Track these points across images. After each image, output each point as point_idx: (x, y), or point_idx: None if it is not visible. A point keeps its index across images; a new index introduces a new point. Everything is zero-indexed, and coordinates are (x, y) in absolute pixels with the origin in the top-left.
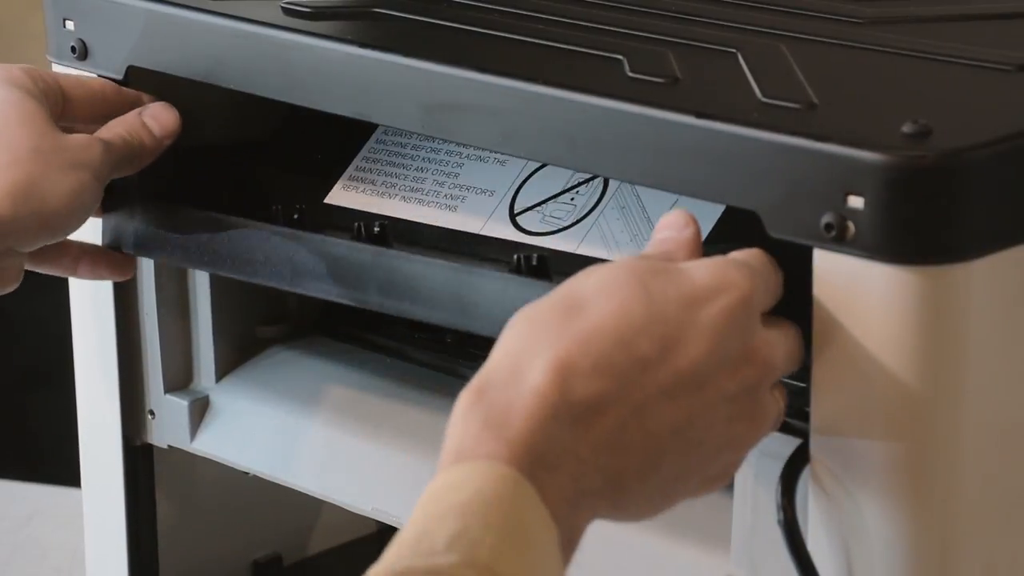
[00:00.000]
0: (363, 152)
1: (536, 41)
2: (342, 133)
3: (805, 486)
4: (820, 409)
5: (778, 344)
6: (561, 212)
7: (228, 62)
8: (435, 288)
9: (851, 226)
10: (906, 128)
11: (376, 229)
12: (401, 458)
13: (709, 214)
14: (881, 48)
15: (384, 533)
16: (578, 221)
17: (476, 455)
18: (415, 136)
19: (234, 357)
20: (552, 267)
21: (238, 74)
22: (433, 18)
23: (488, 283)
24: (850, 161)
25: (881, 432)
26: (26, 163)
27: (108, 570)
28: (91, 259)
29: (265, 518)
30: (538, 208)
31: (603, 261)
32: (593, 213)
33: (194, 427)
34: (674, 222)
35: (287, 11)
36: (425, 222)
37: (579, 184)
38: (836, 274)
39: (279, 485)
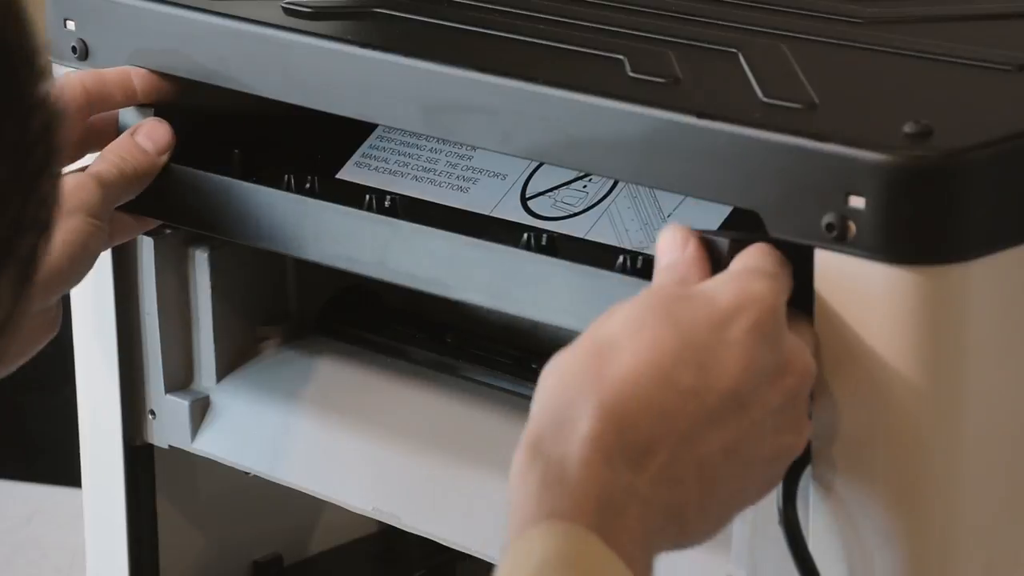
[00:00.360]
0: (377, 131)
1: (536, 41)
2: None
3: (806, 486)
4: (821, 409)
5: (807, 345)
6: (573, 198)
7: (228, 62)
8: (442, 261)
9: (852, 226)
10: (907, 128)
11: (387, 203)
12: (401, 458)
13: (716, 212)
14: (882, 48)
15: (384, 533)
16: (589, 208)
17: (540, 516)
18: None
19: (234, 357)
20: (560, 248)
21: (238, 74)
22: (433, 18)
23: (500, 254)
24: (851, 161)
25: (882, 432)
26: None
27: (108, 570)
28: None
29: (265, 518)
30: (550, 193)
31: (613, 248)
32: (605, 201)
33: (194, 427)
34: (673, 243)
35: (288, 11)
36: (435, 201)
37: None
38: (837, 274)
39: (279, 485)
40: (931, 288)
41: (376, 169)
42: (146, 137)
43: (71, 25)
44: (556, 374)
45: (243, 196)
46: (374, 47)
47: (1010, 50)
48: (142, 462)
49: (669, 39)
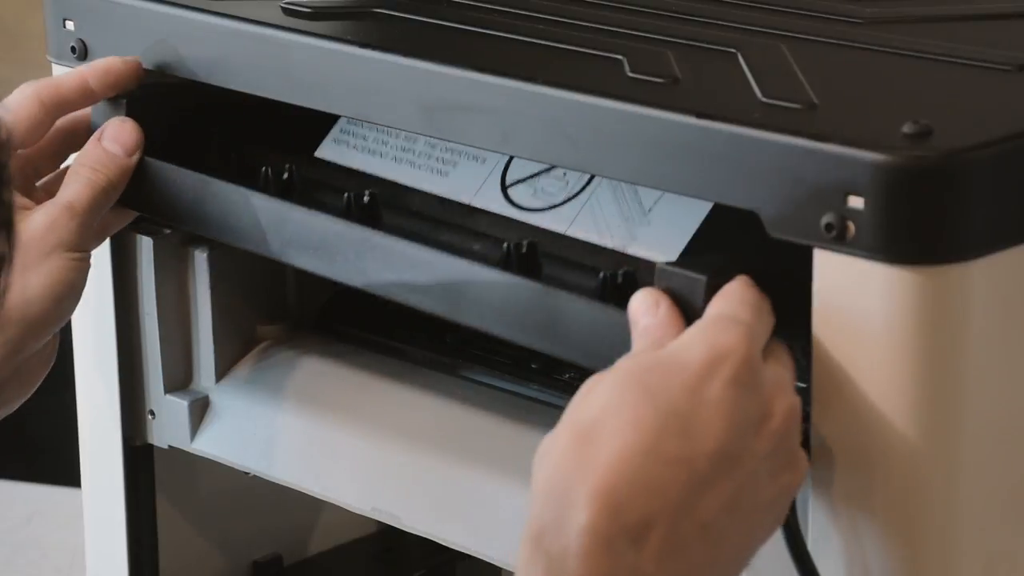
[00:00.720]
0: None
1: (536, 41)
2: None
3: (806, 487)
4: (820, 410)
5: (787, 378)
6: (553, 187)
7: (228, 62)
8: (426, 276)
9: (851, 226)
10: (906, 128)
11: (366, 199)
12: (401, 458)
13: (694, 208)
14: (881, 48)
15: (384, 533)
16: (570, 199)
17: None
18: None
19: (234, 357)
20: (542, 252)
21: (238, 74)
22: (433, 18)
23: (479, 278)
24: (850, 161)
25: (881, 432)
26: None
27: (108, 570)
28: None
29: (265, 518)
30: (530, 181)
31: (592, 245)
32: (586, 191)
33: (194, 427)
34: (646, 306)
35: (287, 11)
36: (415, 187)
37: None
38: (836, 274)
39: (279, 485)
40: (931, 288)
41: (355, 147)
42: (112, 140)
43: (70, 25)
44: (547, 464)
45: (220, 195)
46: (374, 47)
47: (1010, 50)
48: (142, 462)
49: (668, 39)
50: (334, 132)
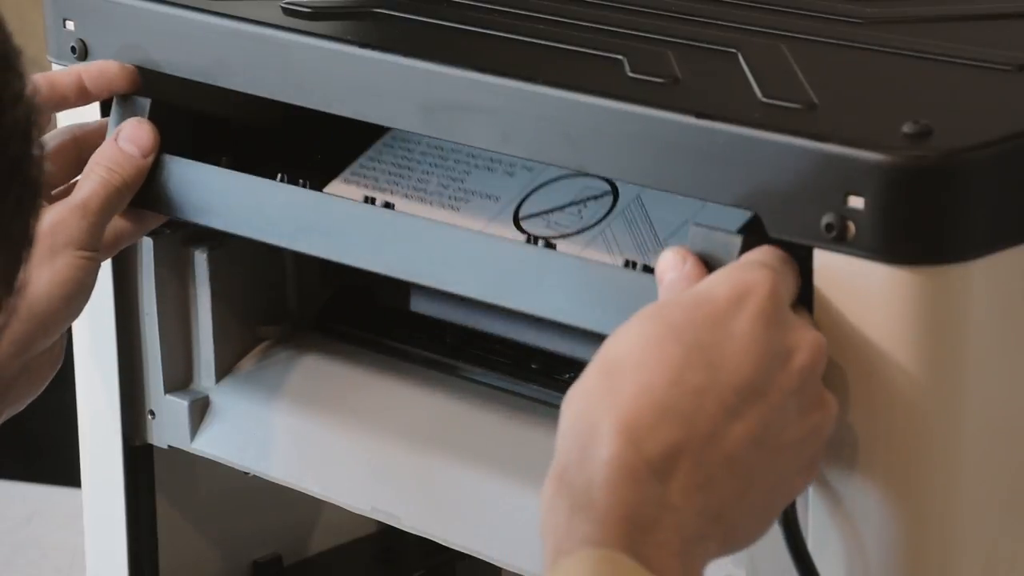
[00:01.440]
0: (369, 152)
1: (536, 41)
2: (351, 129)
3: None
4: None
5: (812, 321)
6: (567, 220)
7: (228, 62)
8: (438, 251)
9: (851, 226)
10: (906, 128)
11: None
12: (401, 458)
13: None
14: (881, 48)
15: (384, 533)
16: (584, 229)
17: (572, 545)
18: (424, 142)
19: (233, 357)
20: (559, 247)
21: (238, 74)
22: (433, 18)
23: (501, 249)
24: (850, 161)
25: (881, 431)
26: None
27: (108, 570)
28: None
29: (265, 518)
30: (544, 215)
31: (607, 265)
32: (600, 224)
33: (194, 427)
34: (671, 263)
35: (287, 11)
36: (426, 217)
37: (588, 199)
38: (836, 274)
39: (279, 485)
40: (931, 288)
41: (365, 186)
42: (128, 140)
43: (70, 25)
44: (572, 404)
45: (237, 187)
46: (374, 47)
47: (1010, 50)
48: (142, 462)
49: (668, 39)
50: (345, 173)
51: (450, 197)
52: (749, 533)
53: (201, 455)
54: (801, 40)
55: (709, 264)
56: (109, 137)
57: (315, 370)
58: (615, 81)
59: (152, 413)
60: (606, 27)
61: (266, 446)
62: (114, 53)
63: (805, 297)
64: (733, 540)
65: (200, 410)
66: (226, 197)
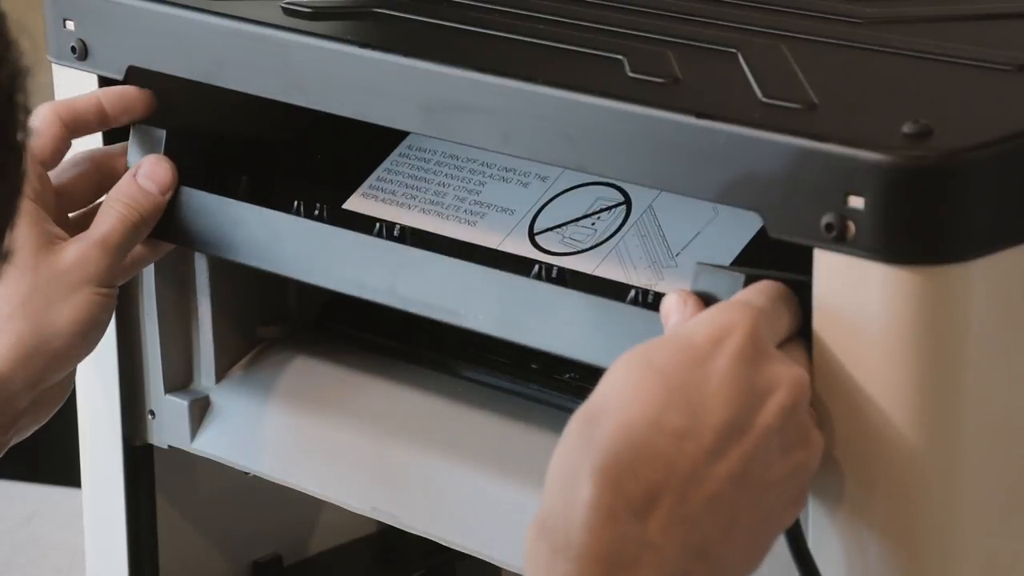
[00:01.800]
0: (385, 164)
1: (536, 41)
2: (366, 141)
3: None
4: (820, 409)
5: (801, 360)
6: (581, 235)
7: (228, 62)
8: (451, 285)
9: (851, 226)
10: (906, 128)
11: (396, 232)
12: (401, 458)
13: (725, 251)
14: (881, 48)
15: (384, 533)
16: (598, 244)
17: None
18: (439, 152)
19: (233, 357)
20: (570, 282)
21: (238, 74)
22: (433, 18)
23: (511, 282)
24: (850, 161)
25: (881, 431)
26: (27, 307)
27: (108, 570)
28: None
29: (265, 518)
30: (558, 229)
31: (621, 285)
32: (614, 238)
33: (194, 427)
34: (674, 306)
35: (287, 11)
36: (443, 234)
37: (601, 210)
38: (836, 274)
39: (279, 485)
40: (931, 288)
41: (383, 201)
42: (147, 177)
43: (70, 25)
44: (556, 453)
45: (253, 220)
46: (374, 47)
47: (1010, 50)
48: (142, 462)
49: (668, 39)
50: (363, 187)
51: (466, 211)
52: (738, 569)
53: (201, 455)
54: (801, 40)
55: (712, 304)
56: (128, 173)
57: (315, 370)
58: (615, 81)
59: (152, 413)
60: (606, 27)
61: (266, 446)
62: (114, 53)
63: (805, 297)
64: (723, 573)
65: (200, 410)
66: (240, 230)
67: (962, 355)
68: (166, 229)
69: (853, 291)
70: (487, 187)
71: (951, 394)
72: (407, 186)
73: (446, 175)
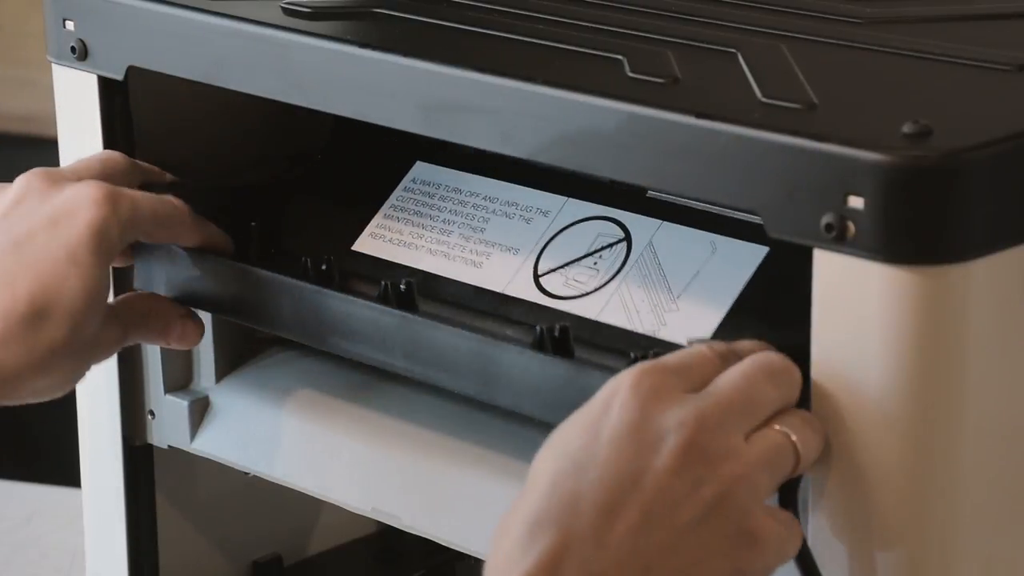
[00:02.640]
0: (391, 200)
1: (536, 41)
2: (370, 174)
3: (806, 486)
4: (820, 410)
5: (747, 447)
6: (584, 276)
7: (228, 62)
8: (460, 359)
9: (851, 226)
10: (906, 128)
11: (402, 287)
12: (401, 458)
13: (724, 293)
14: (881, 48)
15: (384, 533)
16: (600, 287)
17: None
18: (443, 186)
19: (234, 357)
20: (574, 336)
21: (238, 74)
22: (433, 18)
23: (512, 358)
24: (850, 161)
25: (881, 432)
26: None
27: (108, 570)
28: (182, 322)
29: (265, 518)
30: (561, 270)
31: (623, 331)
32: (616, 279)
33: (194, 427)
34: None
35: (287, 11)
36: (450, 277)
37: (602, 248)
38: (836, 274)
39: (279, 485)
40: (931, 288)
41: (391, 241)
42: (180, 340)
43: (70, 25)
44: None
45: (262, 284)
46: (374, 47)
47: (1010, 50)
48: (141, 462)
49: (668, 39)
50: (371, 227)
51: (472, 251)
52: None
53: (201, 455)
54: (801, 40)
55: None
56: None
57: (315, 370)
58: (615, 81)
59: (152, 413)
60: (606, 27)
61: (266, 446)
62: (114, 53)
63: (805, 297)
64: None
65: (200, 410)
66: (248, 294)
67: (962, 355)
68: (176, 292)
69: (853, 291)
70: (491, 223)
71: (951, 394)
72: (413, 223)
73: (450, 211)
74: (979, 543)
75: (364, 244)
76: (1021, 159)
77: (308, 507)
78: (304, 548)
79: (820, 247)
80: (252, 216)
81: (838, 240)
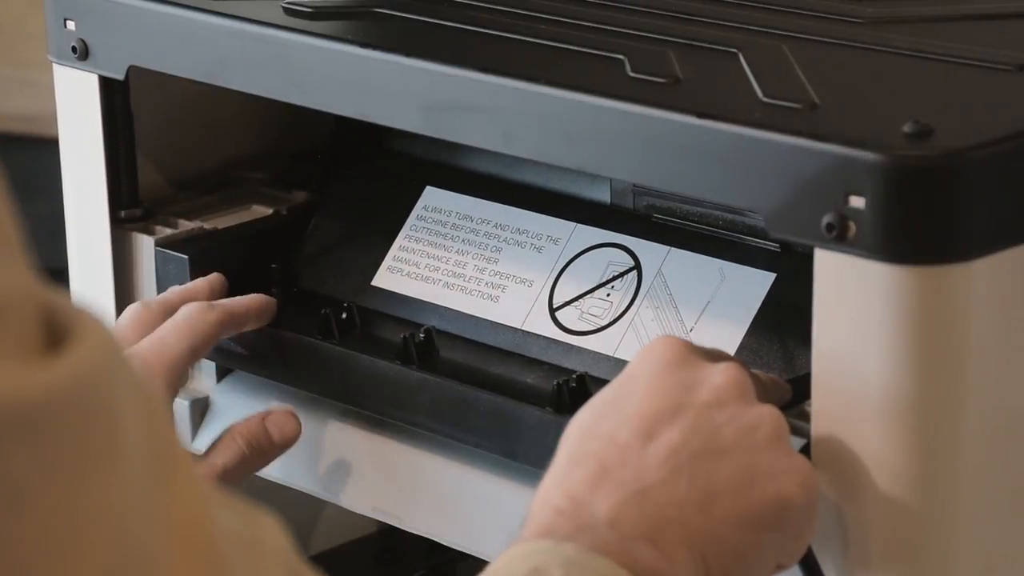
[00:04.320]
0: (405, 230)
1: (536, 41)
2: (380, 199)
3: None
4: (821, 409)
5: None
6: (598, 309)
7: (229, 62)
8: (482, 422)
9: (852, 226)
10: (907, 128)
11: (421, 336)
12: (401, 458)
13: (735, 325)
14: (882, 48)
15: (384, 533)
16: (615, 320)
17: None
18: (454, 213)
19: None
20: (591, 379)
21: (239, 74)
22: (433, 18)
23: (533, 419)
24: (851, 161)
25: (882, 431)
26: None
27: None
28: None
29: None
30: (575, 303)
31: None
32: (629, 312)
33: (194, 427)
34: None
35: (288, 11)
36: (470, 313)
37: (614, 278)
38: (837, 274)
39: (279, 485)
40: (931, 288)
41: (408, 275)
42: (275, 424)
43: (71, 25)
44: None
45: (283, 343)
46: (374, 47)
47: (1010, 50)
48: None
49: (669, 39)
50: (387, 260)
51: (487, 284)
52: (740, 552)
53: (201, 455)
54: (802, 40)
55: None
56: (259, 414)
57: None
58: (616, 81)
59: None
60: (607, 27)
61: None
62: (114, 53)
63: (805, 297)
64: (728, 567)
65: (200, 410)
66: (272, 352)
67: (962, 354)
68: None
69: (853, 291)
70: (503, 253)
71: (951, 393)
72: (428, 255)
73: (463, 240)
74: (980, 541)
75: (383, 279)
76: (1021, 159)
77: (308, 507)
78: (304, 548)
79: (821, 247)
80: (270, 252)
81: (839, 240)
